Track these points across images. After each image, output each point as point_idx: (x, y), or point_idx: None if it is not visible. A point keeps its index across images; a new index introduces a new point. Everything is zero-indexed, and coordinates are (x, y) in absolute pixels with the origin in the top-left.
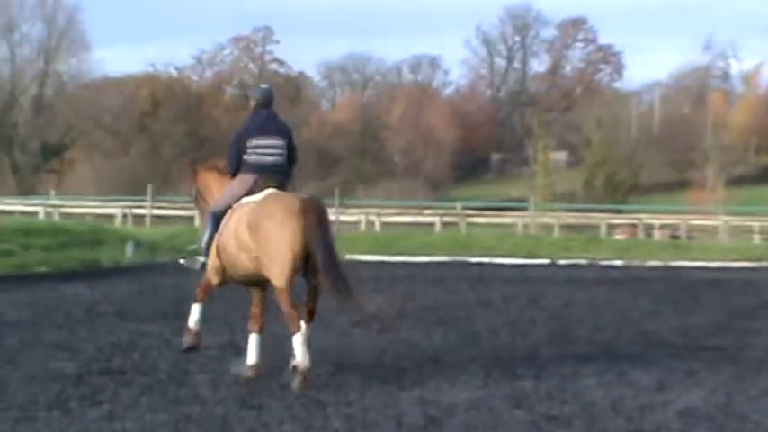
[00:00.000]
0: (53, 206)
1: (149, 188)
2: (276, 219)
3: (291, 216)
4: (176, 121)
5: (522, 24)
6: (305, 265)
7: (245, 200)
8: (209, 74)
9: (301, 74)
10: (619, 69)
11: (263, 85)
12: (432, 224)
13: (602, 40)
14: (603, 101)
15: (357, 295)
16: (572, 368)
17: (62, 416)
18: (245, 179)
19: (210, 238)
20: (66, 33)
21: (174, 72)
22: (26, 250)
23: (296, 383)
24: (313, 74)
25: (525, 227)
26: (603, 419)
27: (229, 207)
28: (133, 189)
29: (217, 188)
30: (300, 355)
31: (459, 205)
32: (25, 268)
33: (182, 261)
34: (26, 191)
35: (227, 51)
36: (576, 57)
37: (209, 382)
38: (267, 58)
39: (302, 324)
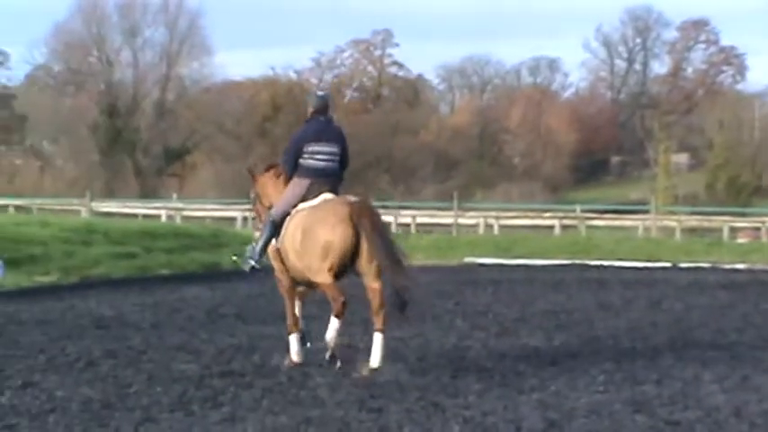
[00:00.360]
0: (175, 209)
1: None
2: (328, 223)
3: (341, 221)
4: (296, 124)
5: (643, 26)
6: (354, 264)
7: (300, 206)
8: (328, 77)
9: (420, 77)
10: (741, 71)
11: (320, 92)
12: (551, 227)
13: (725, 42)
14: (726, 103)
15: (414, 281)
16: (694, 373)
17: (184, 417)
18: (301, 183)
19: (266, 243)
20: (188, 38)
21: (293, 76)
22: (148, 253)
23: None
24: (432, 77)
25: (646, 230)
26: (726, 425)
27: (287, 213)
28: None
29: (273, 192)
30: (375, 355)
31: (578, 208)
32: (147, 271)
33: (234, 258)
34: (148, 194)
35: (346, 54)
36: (697, 58)
37: (328, 385)
38: (386, 61)
39: (377, 335)
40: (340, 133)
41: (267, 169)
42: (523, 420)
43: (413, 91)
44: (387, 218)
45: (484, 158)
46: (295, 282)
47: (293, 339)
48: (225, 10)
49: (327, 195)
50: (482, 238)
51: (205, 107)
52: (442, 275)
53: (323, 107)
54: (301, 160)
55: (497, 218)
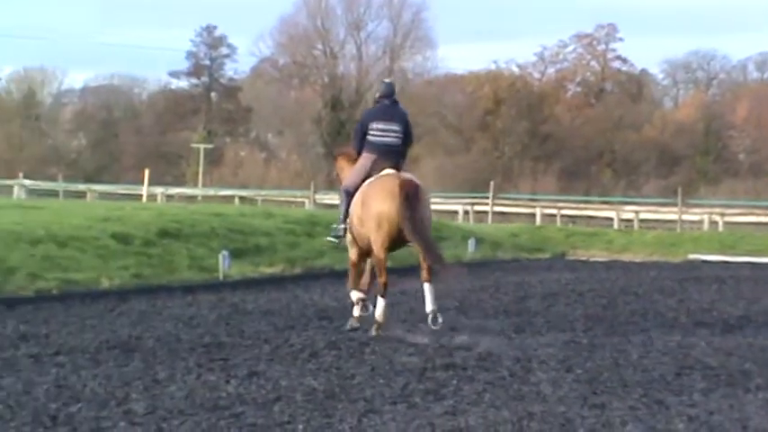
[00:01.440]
0: None
1: (491, 185)
2: (379, 198)
3: (390, 196)
4: (518, 118)
5: None
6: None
7: (366, 182)
8: (551, 71)
9: (644, 71)
10: None
11: (386, 80)
12: None
13: None
14: None
15: (443, 257)
16: None
17: (406, 410)
18: (367, 157)
19: (345, 211)
20: (412, 31)
21: (516, 70)
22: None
23: (373, 330)
24: (656, 71)
25: None
26: None
27: (357, 185)
28: (475, 186)
29: (348, 170)
30: (379, 313)
31: None
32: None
33: (328, 239)
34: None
35: (569, 49)
36: None
37: (550, 381)
38: (609, 55)
39: (426, 285)
40: (402, 114)
41: (344, 153)
42: (750, 420)
43: (636, 86)
44: (608, 213)
45: (708, 154)
46: (360, 255)
47: (354, 295)
48: (448, 3)
49: (387, 171)
50: (706, 235)
51: (427, 100)
52: (665, 272)
53: (388, 92)
54: (368, 137)
55: (722, 214)
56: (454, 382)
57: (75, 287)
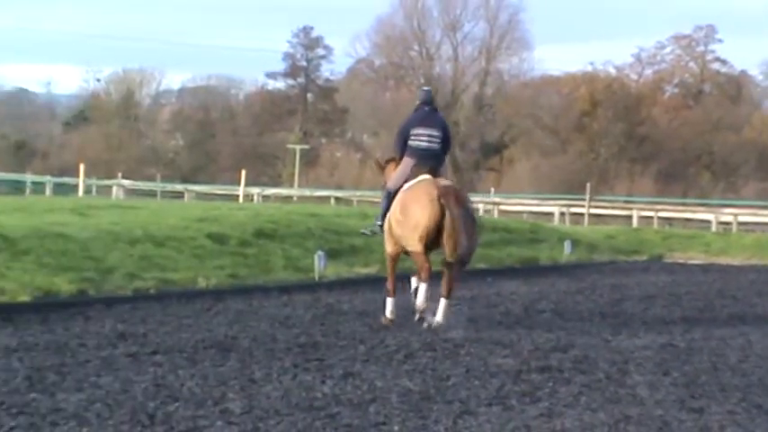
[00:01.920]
0: (492, 203)
1: (587, 187)
2: (420, 202)
3: (430, 201)
4: (615, 120)
5: None
6: (437, 240)
7: (405, 186)
8: (648, 72)
9: (743, 73)
10: None
11: (425, 88)
12: None
13: None
14: None
15: (469, 255)
16: None
17: (501, 412)
18: (407, 162)
19: (384, 211)
20: (508, 32)
21: (613, 71)
22: None
23: (417, 317)
24: (755, 73)
25: None
26: None
27: (399, 187)
28: (571, 187)
29: (393, 174)
30: (439, 314)
31: None
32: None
33: (362, 231)
34: (466, 188)
35: (667, 50)
36: None
37: (647, 383)
38: (708, 57)
39: (442, 299)
40: (442, 120)
41: (389, 161)
42: None
43: (735, 87)
44: (706, 216)
45: None
46: (397, 251)
47: (389, 301)
48: (545, 4)
49: (425, 176)
50: None
51: (523, 102)
52: (764, 275)
53: (427, 99)
54: (409, 142)
55: None
56: (550, 384)
57: (172, 287)
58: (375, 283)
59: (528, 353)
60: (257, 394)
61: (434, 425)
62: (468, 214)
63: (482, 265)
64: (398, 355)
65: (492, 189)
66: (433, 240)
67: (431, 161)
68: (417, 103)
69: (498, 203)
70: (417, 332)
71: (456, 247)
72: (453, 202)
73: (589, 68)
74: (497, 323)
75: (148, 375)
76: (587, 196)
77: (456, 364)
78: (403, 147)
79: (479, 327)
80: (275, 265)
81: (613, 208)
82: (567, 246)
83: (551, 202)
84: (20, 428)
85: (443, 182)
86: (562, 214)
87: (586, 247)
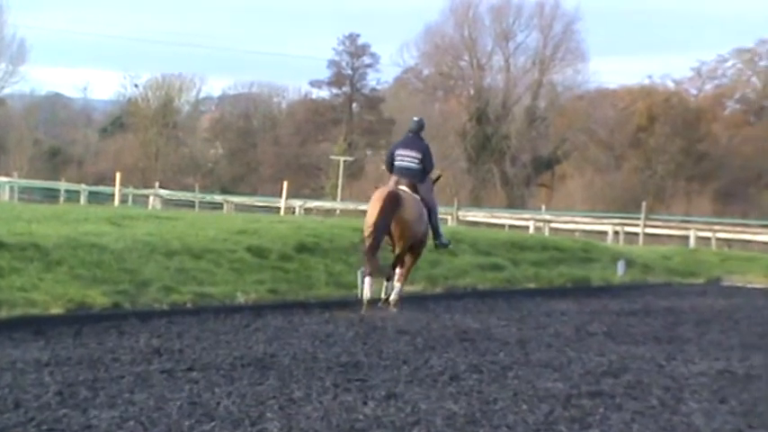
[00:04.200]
0: (543, 221)
1: (643, 205)
2: (372, 202)
3: (376, 202)
4: (672, 136)
5: None
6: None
7: None
8: (708, 87)
9: None
10: None
11: (415, 118)
12: None
13: None
14: None
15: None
16: None
17: None
18: (392, 177)
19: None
20: (563, 43)
21: (671, 85)
22: (516, 265)
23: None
24: None
25: None
26: None
27: None
28: (625, 205)
29: None
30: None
31: None
32: (514, 283)
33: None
34: (515, 204)
35: (728, 64)
36: None
37: (703, 411)
38: None
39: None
40: (422, 145)
41: None
42: None
43: None
44: (763, 237)
45: None
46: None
47: (367, 281)
48: (601, 14)
49: (400, 186)
50: None
51: (577, 115)
52: None
53: (413, 128)
54: (394, 162)
55: None
56: (601, 410)
57: (209, 301)
58: (420, 301)
59: (578, 377)
60: (296, 415)
61: None
62: (398, 216)
63: (532, 285)
64: (443, 376)
65: (543, 206)
66: (377, 236)
67: (408, 176)
68: (407, 130)
69: (549, 221)
70: (463, 353)
71: (402, 244)
72: (392, 205)
73: (646, 82)
74: (547, 345)
75: (184, 393)
76: (642, 215)
77: (503, 388)
78: (391, 165)
79: (528, 349)
80: (317, 281)
81: (669, 228)
82: (620, 266)
83: (605, 221)
84: None
85: (399, 188)
86: (616, 233)
87: (641, 268)
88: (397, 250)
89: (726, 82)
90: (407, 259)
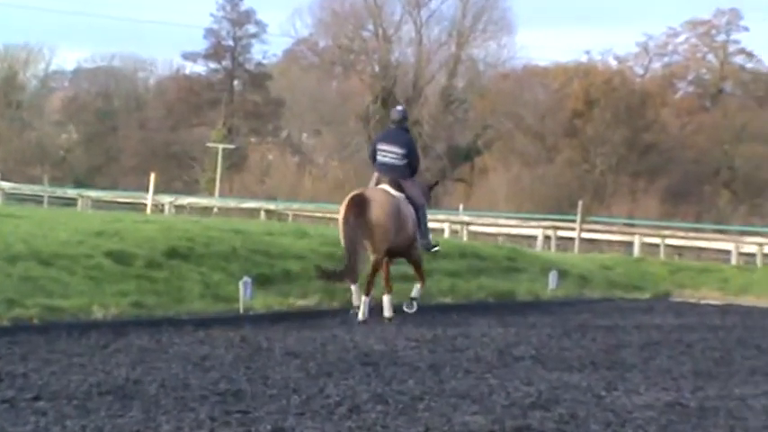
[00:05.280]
0: (461, 223)
1: (579, 205)
2: (342, 206)
3: (342, 210)
4: (614, 123)
5: None
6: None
7: None
8: (657, 66)
9: None
10: None
11: (398, 107)
12: None
13: None
14: None
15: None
16: None
17: None
18: (375, 173)
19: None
20: (485, 12)
21: (613, 63)
22: (428, 276)
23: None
24: None
25: None
26: None
27: None
28: (558, 206)
29: None
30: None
31: None
32: (427, 298)
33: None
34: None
35: (680, 39)
36: None
37: None
38: (731, 48)
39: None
40: (405, 138)
41: None
42: None
43: (764, 87)
44: (725, 245)
45: None
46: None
47: (354, 288)
48: None
49: (381, 185)
50: None
51: (502, 98)
52: None
53: (397, 119)
54: (376, 156)
55: None
56: None
57: (60, 316)
58: (315, 318)
59: (501, 409)
60: None
61: None
62: (364, 220)
63: (447, 300)
64: (341, 408)
65: (461, 205)
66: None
67: (391, 173)
68: (390, 121)
69: (468, 223)
70: (365, 381)
71: (373, 248)
72: (358, 209)
73: (584, 59)
74: (464, 371)
75: (28, 426)
76: (578, 217)
77: (413, 422)
78: (374, 159)
79: (442, 375)
80: (190, 293)
81: (610, 232)
82: (552, 278)
83: (533, 223)
84: None
85: (372, 188)
86: (547, 238)
87: (576, 280)
88: (373, 257)
89: (677, 60)
90: (413, 264)
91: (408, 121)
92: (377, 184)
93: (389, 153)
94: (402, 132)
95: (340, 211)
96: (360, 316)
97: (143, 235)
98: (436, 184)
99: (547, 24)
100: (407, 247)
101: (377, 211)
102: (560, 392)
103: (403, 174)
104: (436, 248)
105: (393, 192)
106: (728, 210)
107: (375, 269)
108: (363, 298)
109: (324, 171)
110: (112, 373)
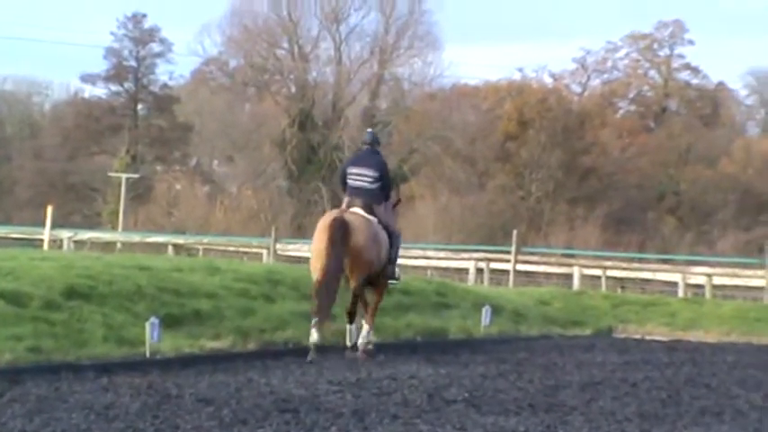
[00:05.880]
0: None
1: (514, 235)
2: (316, 235)
3: (321, 233)
4: (550, 146)
5: None
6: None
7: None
8: (595, 83)
9: (721, 86)
10: None
11: (369, 130)
12: None
13: None
14: None
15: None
16: None
17: None
18: (345, 198)
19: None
20: (409, 27)
21: (548, 81)
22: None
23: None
24: (737, 86)
25: None
26: None
27: None
28: (491, 236)
29: None
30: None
31: None
32: (350, 336)
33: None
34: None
35: (620, 54)
36: None
37: None
38: (675, 63)
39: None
40: (377, 161)
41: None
42: None
43: (711, 105)
44: (670, 276)
45: None
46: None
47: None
48: None
49: (353, 209)
50: None
51: (428, 120)
52: (747, 357)
53: (368, 140)
54: (347, 180)
55: None
56: None
57: None
58: (226, 361)
59: None
60: None
61: None
62: (347, 248)
63: (372, 338)
64: None
65: None
66: (326, 267)
67: (363, 197)
68: (361, 143)
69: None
70: (284, 429)
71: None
72: (339, 234)
73: (517, 77)
74: (392, 416)
75: None
76: (513, 248)
77: None
78: (344, 183)
79: (368, 422)
80: (92, 336)
81: (548, 264)
82: (485, 314)
83: (465, 255)
84: None
85: (340, 214)
86: (479, 271)
87: (511, 316)
88: (352, 284)
89: (617, 76)
90: (370, 297)
91: (380, 144)
92: (349, 206)
93: (361, 176)
94: (374, 154)
95: (317, 238)
96: (348, 342)
97: (40, 273)
98: (399, 202)
99: (476, 40)
100: (377, 276)
101: (360, 236)
102: None
103: (377, 198)
104: (395, 282)
105: (368, 216)
106: (674, 238)
107: (356, 295)
108: (348, 327)
109: (237, 201)
110: (8, 424)
